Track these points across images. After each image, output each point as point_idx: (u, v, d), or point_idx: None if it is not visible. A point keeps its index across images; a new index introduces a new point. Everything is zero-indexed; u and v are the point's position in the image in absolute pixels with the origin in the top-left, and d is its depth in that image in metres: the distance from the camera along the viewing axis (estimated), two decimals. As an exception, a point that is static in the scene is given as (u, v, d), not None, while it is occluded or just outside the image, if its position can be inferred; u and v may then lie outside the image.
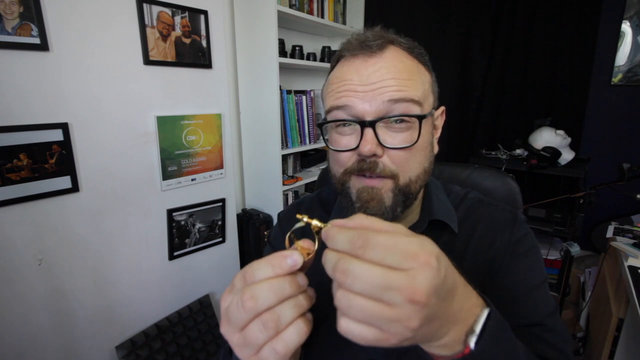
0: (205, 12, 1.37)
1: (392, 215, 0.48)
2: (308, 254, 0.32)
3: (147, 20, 1.21)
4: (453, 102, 2.64)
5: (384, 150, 0.46)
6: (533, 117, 2.27)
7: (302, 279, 0.30)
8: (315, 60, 1.90)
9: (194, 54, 1.37)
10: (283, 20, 1.68)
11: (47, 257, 1.09)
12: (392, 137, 0.47)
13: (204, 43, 1.39)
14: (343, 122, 0.48)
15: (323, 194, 0.69)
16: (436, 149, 0.55)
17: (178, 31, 1.31)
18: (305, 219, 0.34)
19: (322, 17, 1.94)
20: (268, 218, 1.72)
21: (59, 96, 1.06)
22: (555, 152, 1.98)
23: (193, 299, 1.53)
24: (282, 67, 1.65)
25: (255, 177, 1.80)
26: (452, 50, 2.56)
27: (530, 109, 2.42)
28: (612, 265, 1.53)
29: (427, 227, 0.55)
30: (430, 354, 0.33)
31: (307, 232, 0.35)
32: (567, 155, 2.03)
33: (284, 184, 1.71)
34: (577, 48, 2.28)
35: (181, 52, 1.32)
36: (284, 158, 1.80)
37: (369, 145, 0.45)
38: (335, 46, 2.10)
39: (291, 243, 0.33)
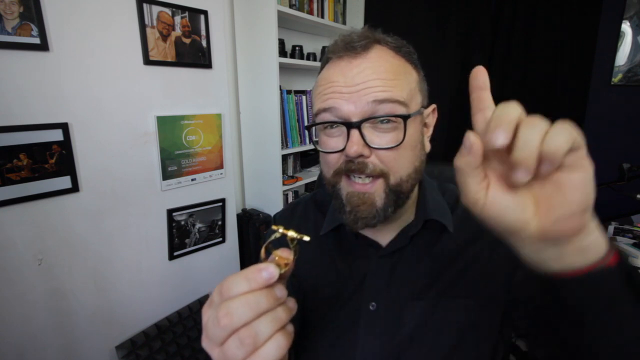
0: (205, 12, 1.37)
1: (383, 216, 0.48)
2: (286, 264, 0.31)
3: (147, 20, 1.21)
4: (453, 102, 2.64)
5: (371, 150, 0.46)
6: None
7: (280, 291, 0.29)
8: (315, 60, 1.90)
9: (194, 54, 1.37)
10: (283, 20, 1.68)
11: (47, 257, 1.09)
12: (379, 137, 0.47)
13: (204, 43, 1.39)
14: (330, 124, 0.49)
15: (318, 195, 0.69)
16: (428, 147, 0.55)
17: (178, 31, 1.31)
18: (281, 229, 0.33)
19: (322, 17, 1.94)
20: (268, 218, 1.72)
21: (59, 96, 1.06)
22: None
23: (193, 299, 1.53)
24: (282, 67, 1.65)
25: (255, 177, 1.80)
26: (452, 50, 2.55)
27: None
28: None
29: (423, 226, 0.55)
30: (558, 272, 0.29)
31: (301, 231, 0.34)
32: (567, 155, 2.02)
33: (284, 184, 1.70)
34: (577, 48, 2.28)
35: (181, 52, 1.32)
36: (284, 158, 1.80)
37: (355, 146, 0.45)
38: (335, 46, 2.10)
39: (268, 254, 0.32)
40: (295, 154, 1.91)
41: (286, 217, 0.69)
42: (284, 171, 1.85)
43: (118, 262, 1.27)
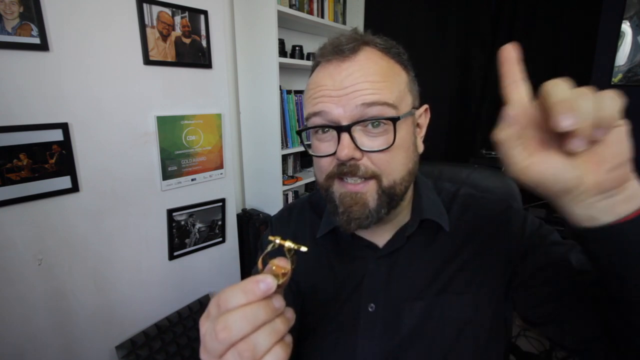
0: (205, 12, 1.37)
1: (376, 217, 0.48)
2: (284, 274, 0.31)
3: (147, 20, 1.21)
4: (453, 102, 2.64)
5: (362, 153, 0.46)
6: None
7: (278, 302, 0.29)
8: (315, 60, 1.90)
9: (194, 54, 1.37)
10: (283, 20, 1.68)
11: (47, 257, 1.09)
12: (370, 140, 0.47)
13: (204, 43, 1.39)
14: (321, 128, 0.49)
15: (314, 197, 0.69)
16: (421, 148, 0.54)
17: (178, 31, 1.31)
18: (278, 240, 0.33)
19: (322, 17, 1.94)
20: (268, 218, 1.72)
21: (59, 96, 1.06)
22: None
23: (193, 299, 1.53)
24: (282, 67, 1.65)
25: (255, 177, 1.80)
26: (452, 50, 2.56)
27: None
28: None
29: (419, 226, 0.55)
30: (610, 222, 0.30)
31: (298, 234, 0.34)
32: (567, 155, 2.02)
33: (284, 184, 1.71)
34: (577, 48, 2.28)
35: (181, 52, 1.32)
36: (284, 158, 1.80)
37: (345, 149, 0.45)
38: (335, 46, 2.10)
39: (265, 264, 0.32)
40: (295, 154, 1.91)
41: (283, 219, 0.69)
42: (284, 171, 1.85)
43: (118, 262, 1.27)
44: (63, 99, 1.07)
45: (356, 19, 2.17)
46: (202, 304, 1.54)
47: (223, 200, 1.57)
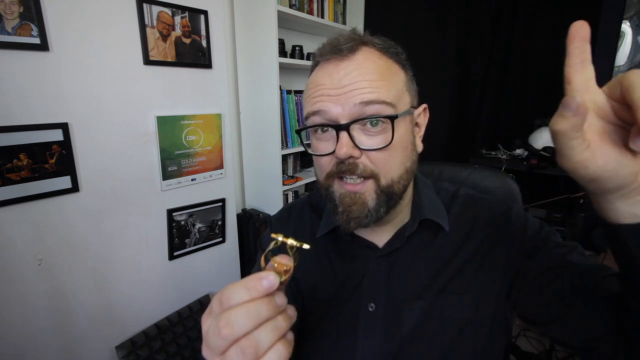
0: (205, 12, 1.37)
1: (376, 216, 0.48)
2: (286, 271, 0.31)
3: (147, 20, 1.21)
4: (453, 102, 2.64)
5: (361, 152, 0.47)
6: (533, 117, 2.27)
7: (280, 299, 0.29)
8: (315, 60, 1.90)
9: (194, 54, 1.37)
10: (283, 20, 1.68)
11: (47, 257, 1.09)
12: (369, 138, 0.47)
13: (204, 43, 1.39)
14: (320, 128, 0.49)
15: (313, 197, 0.69)
16: (420, 147, 0.55)
17: (178, 31, 1.31)
18: (280, 238, 0.33)
19: (322, 17, 1.94)
20: (268, 218, 1.72)
21: (59, 96, 1.06)
22: (555, 152, 1.98)
23: (193, 299, 1.53)
24: (282, 67, 1.65)
25: (255, 177, 1.80)
26: (452, 50, 2.56)
27: (530, 109, 2.42)
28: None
29: (419, 226, 0.55)
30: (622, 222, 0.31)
31: (298, 234, 0.34)
32: (567, 155, 2.02)
33: (284, 184, 1.71)
34: (577, 48, 2.28)
35: (181, 52, 1.32)
36: (284, 158, 1.80)
37: (344, 148, 0.45)
38: (335, 46, 2.10)
39: (268, 262, 0.32)
40: (295, 154, 1.91)
41: (282, 219, 0.69)
42: (284, 171, 1.85)
43: (118, 262, 1.27)
44: (63, 99, 1.07)
45: (356, 19, 2.18)
46: (202, 304, 1.54)
47: (223, 200, 1.57)
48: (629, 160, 0.28)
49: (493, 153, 2.35)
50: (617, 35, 2.20)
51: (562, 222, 2.00)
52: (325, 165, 0.50)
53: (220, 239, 1.60)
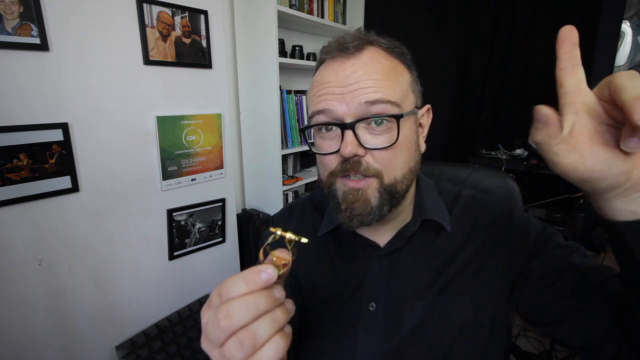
0: (205, 12, 1.37)
1: (379, 214, 0.48)
2: (284, 265, 0.31)
3: (147, 20, 1.21)
4: (453, 102, 2.64)
5: (366, 150, 0.47)
6: (533, 117, 2.27)
7: (278, 292, 0.30)
8: (315, 60, 1.90)
9: (194, 54, 1.37)
10: (283, 20, 1.68)
11: (47, 257, 1.09)
12: (373, 137, 0.47)
13: (204, 43, 1.39)
14: (325, 126, 0.49)
15: (316, 196, 0.69)
16: (423, 147, 0.55)
17: (178, 31, 1.31)
18: (279, 231, 0.33)
19: (322, 17, 1.94)
20: (268, 218, 1.72)
21: (59, 96, 1.06)
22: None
23: (193, 299, 1.53)
24: (282, 67, 1.65)
25: (255, 177, 1.80)
26: (452, 50, 2.56)
27: (530, 109, 2.41)
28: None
29: (420, 226, 0.55)
30: (621, 219, 0.32)
31: (299, 232, 0.35)
32: (567, 155, 2.02)
33: (284, 184, 1.71)
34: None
35: (181, 52, 1.32)
36: (284, 158, 1.80)
37: (349, 147, 0.45)
38: (335, 46, 2.10)
39: (266, 255, 0.33)
40: (295, 154, 1.91)
41: (284, 218, 0.69)
42: (284, 171, 1.85)
43: (118, 262, 1.27)
44: (63, 99, 1.07)
45: (356, 19, 2.18)
46: (202, 304, 1.54)
47: (223, 200, 1.57)
48: (620, 159, 0.29)
49: (493, 153, 2.36)
50: (617, 35, 2.20)
51: (562, 222, 2.00)
52: (329, 163, 0.50)
53: (220, 239, 1.60)
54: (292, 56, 1.83)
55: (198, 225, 1.50)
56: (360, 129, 0.46)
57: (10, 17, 0.95)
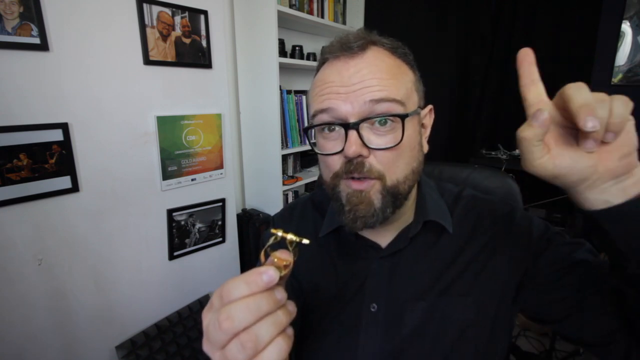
0: (205, 12, 1.37)
1: (382, 216, 0.48)
2: (285, 266, 0.31)
3: (147, 20, 1.21)
4: (453, 102, 2.64)
5: (369, 151, 0.46)
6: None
7: (280, 294, 0.30)
8: (315, 60, 1.90)
9: (194, 54, 1.37)
10: (283, 20, 1.68)
11: (47, 257, 1.09)
12: (378, 137, 0.46)
13: (204, 43, 1.39)
14: (328, 126, 0.48)
15: (316, 196, 0.69)
16: (425, 148, 0.55)
17: (178, 31, 1.31)
18: (280, 233, 0.33)
19: (322, 17, 1.94)
20: (268, 218, 1.72)
21: (59, 96, 1.06)
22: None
23: (193, 299, 1.53)
24: (282, 67, 1.65)
25: (255, 177, 1.80)
26: (452, 50, 2.56)
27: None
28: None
29: (422, 227, 0.55)
30: (622, 202, 0.34)
31: (300, 233, 0.34)
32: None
33: (284, 184, 1.71)
34: (577, 48, 2.28)
35: (181, 52, 1.32)
36: (284, 158, 1.80)
37: (353, 146, 0.45)
38: (335, 46, 2.10)
39: (267, 257, 0.32)
40: (295, 154, 1.91)
41: (285, 218, 0.69)
42: (284, 171, 1.85)
43: (118, 262, 1.27)
44: (63, 99, 1.07)
45: (356, 19, 2.18)
46: (202, 304, 1.54)
47: (223, 200, 1.57)
48: (583, 156, 0.33)
49: (493, 153, 2.36)
50: (617, 35, 2.20)
51: (562, 222, 2.00)
52: (332, 164, 0.49)
53: (220, 239, 1.60)
54: (292, 56, 1.83)
55: (198, 225, 1.50)
56: (364, 129, 0.46)
57: (10, 17, 0.95)
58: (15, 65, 0.97)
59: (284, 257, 0.32)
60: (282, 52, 1.73)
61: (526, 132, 0.32)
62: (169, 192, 1.38)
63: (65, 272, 1.14)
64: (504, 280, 0.53)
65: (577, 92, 0.30)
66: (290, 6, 1.71)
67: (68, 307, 1.16)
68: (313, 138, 0.55)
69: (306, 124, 1.82)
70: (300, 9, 1.79)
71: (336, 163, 0.49)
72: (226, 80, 1.51)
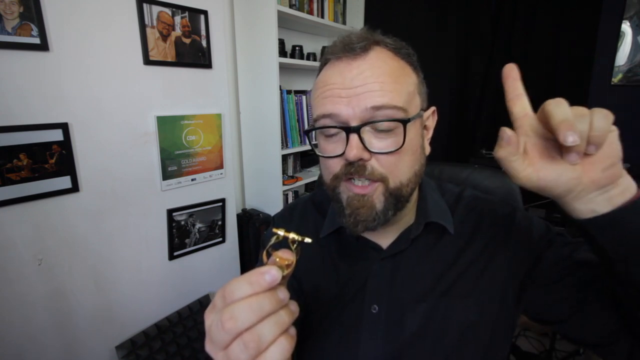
0: (205, 12, 1.37)
1: (383, 219, 0.48)
2: (288, 266, 0.31)
3: (147, 20, 1.21)
4: (453, 102, 2.64)
5: (371, 154, 0.46)
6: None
7: (282, 294, 0.30)
8: (315, 60, 1.90)
9: (194, 54, 1.37)
10: (283, 20, 1.68)
11: (47, 257, 1.09)
12: (379, 141, 0.46)
13: (204, 43, 1.39)
14: (329, 129, 0.48)
15: (317, 196, 0.68)
16: (428, 150, 0.54)
17: (178, 31, 1.31)
18: (282, 232, 0.33)
19: (322, 17, 1.94)
20: (268, 218, 1.72)
21: (59, 96, 1.06)
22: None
23: (193, 299, 1.53)
24: (282, 67, 1.65)
25: (255, 177, 1.80)
26: (452, 50, 2.56)
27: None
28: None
29: (423, 229, 0.55)
30: (609, 211, 0.35)
31: (301, 233, 0.34)
32: (567, 155, 2.02)
33: (284, 184, 1.71)
34: (577, 48, 2.28)
35: (181, 52, 1.32)
36: (284, 158, 1.80)
37: (354, 150, 0.44)
38: (335, 46, 2.10)
39: (269, 257, 0.32)
40: (295, 154, 1.91)
41: (285, 218, 0.69)
42: (284, 171, 1.85)
43: (118, 262, 1.27)
44: (63, 99, 1.07)
45: (356, 19, 2.17)
46: (202, 304, 1.54)
47: (223, 200, 1.57)
48: (567, 169, 0.34)
49: (493, 153, 2.35)
50: (617, 35, 2.20)
51: (562, 222, 2.00)
52: (332, 167, 0.49)
53: (220, 239, 1.60)
54: (292, 56, 1.83)
55: (198, 225, 1.50)
56: (366, 132, 0.46)
57: (10, 17, 0.95)
58: (15, 65, 0.97)
59: (286, 256, 0.32)
60: (282, 52, 1.73)
61: (499, 152, 0.34)
62: (169, 192, 1.38)
63: (65, 272, 1.14)
64: (505, 282, 0.52)
65: (557, 108, 0.31)
66: (290, 6, 1.71)
67: (68, 307, 1.16)
68: (314, 139, 0.55)
69: (306, 124, 1.83)
70: (300, 9, 1.79)
71: (337, 165, 0.49)
72: (226, 80, 1.51)
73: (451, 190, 0.62)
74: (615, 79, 2.25)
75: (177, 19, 1.30)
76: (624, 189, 0.34)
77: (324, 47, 2.00)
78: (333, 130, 0.48)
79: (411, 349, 0.51)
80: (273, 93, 1.57)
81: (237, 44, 1.68)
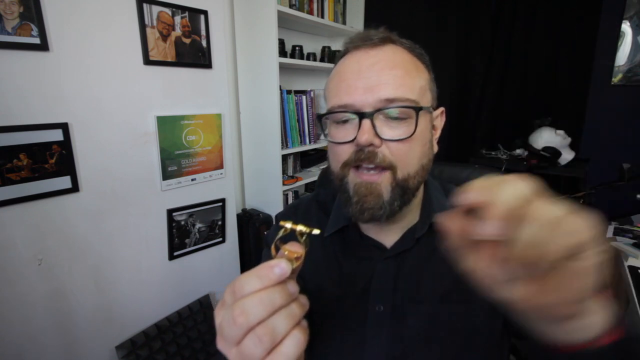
0: (205, 12, 1.37)
1: (389, 210, 0.48)
2: (297, 258, 0.31)
3: (147, 20, 1.21)
4: (453, 102, 2.64)
5: (381, 141, 0.47)
6: (533, 117, 2.27)
7: (292, 287, 0.29)
8: (315, 60, 1.90)
9: (194, 54, 1.37)
10: (283, 20, 1.68)
11: (47, 257, 1.09)
12: (391, 129, 0.47)
13: (204, 43, 1.39)
14: (342, 114, 0.49)
15: (320, 195, 0.68)
16: (435, 148, 0.56)
17: (178, 31, 1.31)
18: (289, 225, 0.33)
19: (322, 17, 1.94)
20: (268, 218, 1.72)
21: (59, 96, 1.06)
22: (555, 152, 1.98)
23: (193, 299, 1.53)
24: (282, 67, 1.65)
25: (255, 177, 1.80)
26: (452, 50, 2.56)
27: (530, 109, 2.42)
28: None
29: (428, 229, 0.54)
30: (558, 344, 0.30)
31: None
32: (567, 155, 2.03)
33: (284, 184, 1.70)
34: (577, 48, 2.28)
35: (181, 52, 1.32)
36: (284, 158, 1.79)
37: (366, 134, 0.45)
38: (335, 46, 2.10)
39: (278, 250, 0.32)
40: (295, 154, 1.91)
41: (288, 217, 0.69)
42: (284, 171, 1.85)
43: (118, 262, 1.27)
44: (63, 99, 1.07)
45: (356, 19, 2.17)
46: (202, 304, 1.54)
47: (223, 200, 1.57)
48: (509, 284, 0.27)
49: (493, 153, 2.35)
50: (617, 35, 2.20)
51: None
52: (342, 153, 0.50)
53: (220, 239, 1.60)
54: (292, 56, 1.83)
55: (198, 225, 1.50)
56: (378, 119, 0.47)
57: (10, 17, 0.95)
58: (15, 65, 0.97)
59: (295, 249, 0.31)
60: (282, 52, 1.73)
61: (443, 245, 0.31)
62: (169, 192, 1.38)
63: (65, 272, 1.14)
64: None
65: (500, 186, 0.24)
66: (290, 6, 1.71)
67: (68, 307, 1.16)
68: (324, 128, 0.55)
69: (307, 124, 1.83)
70: (300, 9, 1.79)
71: (347, 152, 0.49)
72: (226, 80, 1.51)
73: (454, 191, 0.62)
74: (615, 79, 2.25)
75: (177, 19, 1.30)
76: (581, 327, 0.29)
77: (324, 47, 2.00)
78: (346, 116, 0.49)
79: (415, 350, 0.51)
80: (273, 93, 1.57)
81: (237, 44, 1.68)
